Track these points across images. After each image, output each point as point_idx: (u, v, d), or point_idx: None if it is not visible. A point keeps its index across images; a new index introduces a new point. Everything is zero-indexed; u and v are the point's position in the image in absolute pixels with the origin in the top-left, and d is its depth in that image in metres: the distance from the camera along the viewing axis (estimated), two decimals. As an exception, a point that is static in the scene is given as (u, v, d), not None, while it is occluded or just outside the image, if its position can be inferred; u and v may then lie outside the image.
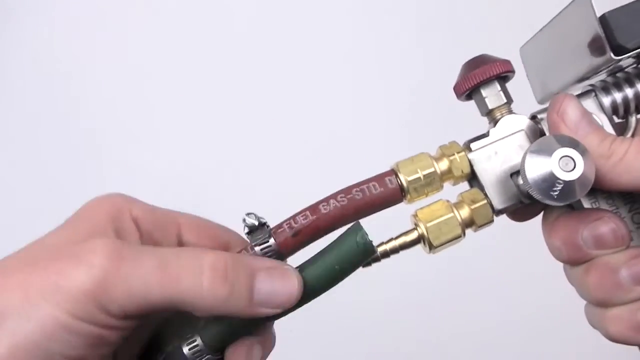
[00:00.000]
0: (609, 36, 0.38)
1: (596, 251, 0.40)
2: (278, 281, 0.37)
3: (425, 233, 0.40)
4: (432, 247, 0.41)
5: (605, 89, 0.42)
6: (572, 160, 0.37)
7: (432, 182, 0.41)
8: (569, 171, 0.37)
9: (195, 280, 0.35)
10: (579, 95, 0.42)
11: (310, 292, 0.38)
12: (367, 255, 0.39)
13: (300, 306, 0.39)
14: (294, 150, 1.01)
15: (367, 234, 0.38)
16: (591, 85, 0.43)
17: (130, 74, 1.06)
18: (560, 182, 0.37)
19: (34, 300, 0.33)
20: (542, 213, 0.44)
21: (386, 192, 0.41)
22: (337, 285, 0.39)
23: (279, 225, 0.40)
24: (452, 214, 0.41)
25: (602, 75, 0.43)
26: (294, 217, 0.41)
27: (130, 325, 0.35)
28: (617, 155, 0.38)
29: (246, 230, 0.40)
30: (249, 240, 0.40)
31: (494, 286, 1.02)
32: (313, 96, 1.04)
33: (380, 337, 1.01)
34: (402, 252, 0.41)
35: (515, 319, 1.01)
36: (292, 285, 0.38)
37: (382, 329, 1.01)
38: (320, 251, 0.39)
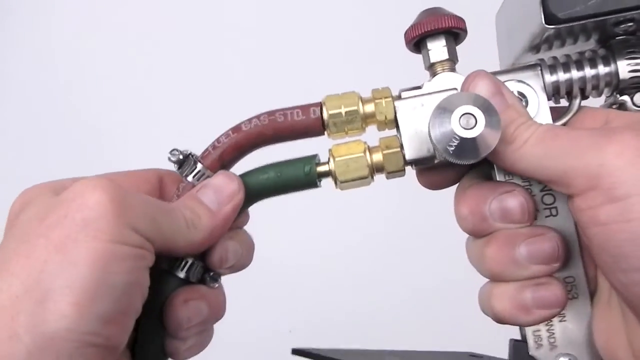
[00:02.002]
0: (544, 3, 0.37)
1: (501, 224, 0.39)
2: (215, 181, 0.41)
3: (333, 167, 0.41)
4: (337, 182, 0.42)
5: (552, 67, 0.41)
6: (473, 119, 0.36)
7: (353, 120, 0.42)
8: (468, 129, 0.36)
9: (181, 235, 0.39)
10: (524, 68, 0.41)
11: (254, 190, 0.42)
12: (308, 184, 0.42)
13: (250, 205, 0.42)
14: (294, 148, 1.01)
15: (315, 168, 0.41)
16: (540, 59, 0.42)
17: (129, 73, 1.09)
18: (457, 137, 0.36)
19: (68, 248, 0.33)
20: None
21: (307, 121, 0.42)
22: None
23: (206, 150, 0.43)
24: (362, 154, 0.41)
25: (559, 51, 0.42)
26: (218, 137, 0.43)
27: (152, 250, 0.37)
28: (517, 142, 0.37)
29: (176, 167, 0.43)
30: (182, 175, 0.43)
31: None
32: (313, 95, 1.04)
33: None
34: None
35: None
36: (227, 176, 0.41)
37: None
38: (275, 162, 0.43)
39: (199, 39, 1.10)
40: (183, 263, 0.41)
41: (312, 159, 0.42)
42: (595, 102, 0.42)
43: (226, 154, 0.42)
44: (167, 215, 0.38)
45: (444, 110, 0.37)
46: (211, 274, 0.42)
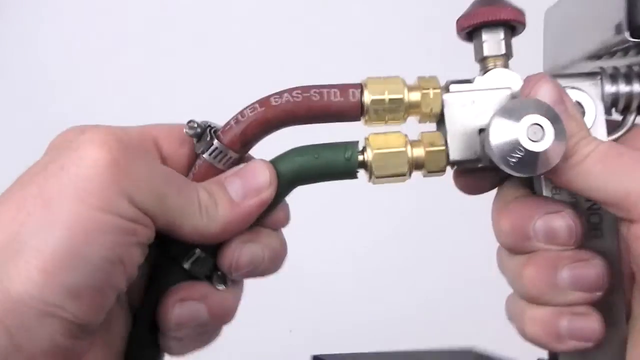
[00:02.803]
0: (631, 14, 0.34)
1: (544, 245, 0.37)
2: (246, 169, 0.36)
3: (370, 159, 0.38)
4: (372, 176, 0.38)
5: (613, 76, 0.38)
6: (541, 131, 0.33)
7: (397, 109, 0.38)
8: (535, 141, 0.33)
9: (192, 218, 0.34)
10: (584, 75, 0.38)
11: (288, 174, 0.37)
12: (347, 172, 0.37)
13: (285, 193, 0.38)
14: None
15: (357, 155, 0.37)
16: (601, 67, 0.39)
17: (129, 72, 1.04)
18: (522, 149, 0.33)
19: (53, 204, 0.30)
20: (495, 191, 0.41)
21: (345, 104, 0.38)
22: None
23: (227, 123, 0.38)
24: (403, 149, 0.38)
25: (618, 62, 0.39)
26: (242, 110, 0.38)
27: (152, 227, 0.33)
28: (576, 157, 0.35)
29: (195, 141, 0.37)
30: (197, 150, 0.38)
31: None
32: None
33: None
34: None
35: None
36: (260, 165, 0.37)
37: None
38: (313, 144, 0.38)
39: (199, 39, 1.06)
40: (190, 253, 0.36)
41: (355, 145, 0.38)
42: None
43: (249, 130, 0.37)
44: (178, 191, 0.34)
45: (509, 116, 0.34)
46: (219, 272, 0.37)
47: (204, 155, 0.37)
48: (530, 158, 0.33)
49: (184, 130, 0.37)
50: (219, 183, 0.36)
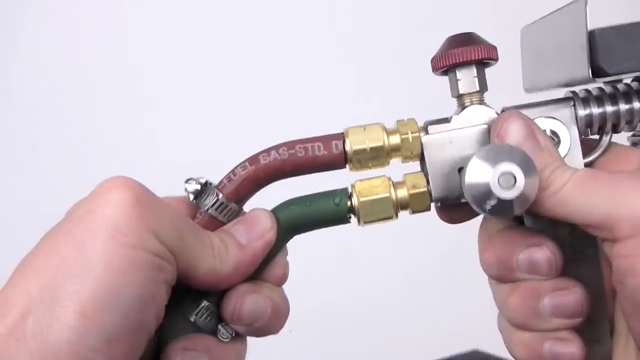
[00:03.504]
0: (593, 54, 0.35)
1: (527, 275, 0.39)
2: (248, 217, 0.39)
3: (357, 205, 0.40)
4: (360, 221, 0.40)
5: (586, 100, 0.39)
6: (513, 178, 0.35)
7: (378, 156, 0.40)
8: (507, 188, 0.35)
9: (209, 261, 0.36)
10: (556, 102, 0.40)
11: (285, 224, 0.40)
12: (339, 217, 0.40)
13: (284, 240, 0.40)
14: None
15: (346, 200, 0.40)
16: (573, 92, 0.40)
17: (129, 73, 1.04)
18: (495, 197, 0.35)
19: (85, 246, 0.31)
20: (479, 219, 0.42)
21: (329, 156, 0.40)
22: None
23: (220, 182, 0.40)
24: (388, 194, 0.40)
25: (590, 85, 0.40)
26: (233, 169, 0.40)
27: (174, 265, 0.34)
28: (554, 187, 0.36)
29: (192, 197, 0.39)
30: (199, 206, 0.39)
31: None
32: (313, 96, 1.03)
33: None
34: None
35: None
36: (259, 213, 0.39)
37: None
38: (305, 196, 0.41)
39: (199, 42, 1.07)
40: (197, 304, 0.38)
41: (343, 191, 0.40)
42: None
43: (243, 187, 0.40)
44: (195, 235, 0.36)
45: (480, 166, 0.35)
46: (224, 324, 0.38)
47: (210, 210, 0.39)
48: (504, 205, 0.35)
49: (185, 187, 0.39)
50: (225, 231, 0.39)
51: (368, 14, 1.06)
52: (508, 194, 0.35)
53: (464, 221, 0.43)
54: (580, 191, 0.36)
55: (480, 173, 0.35)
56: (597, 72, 0.35)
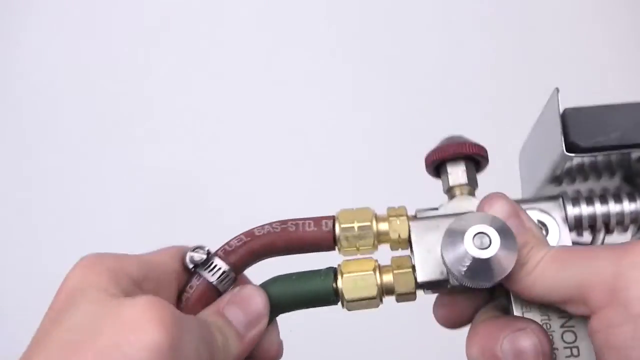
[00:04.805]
0: (566, 132, 0.37)
1: None
2: (242, 297, 0.39)
3: (341, 285, 0.40)
4: (343, 301, 0.40)
5: (575, 199, 0.40)
6: (487, 238, 0.35)
7: (365, 236, 0.41)
8: (482, 249, 0.35)
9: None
10: (545, 198, 0.40)
11: (278, 304, 0.40)
12: (325, 294, 0.40)
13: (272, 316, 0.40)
14: (295, 154, 0.96)
15: (332, 276, 0.40)
16: (562, 192, 0.41)
17: (130, 74, 1.07)
18: (470, 258, 0.35)
19: None
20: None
21: (319, 234, 0.41)
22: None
23: (215, 253, 0.41)
24: (371, 272, 0.40)
25: (580, 186, 0.41)
26: (229, 241, 0.41)
27: None
28: (530, 263, 0.36)
29: (191, 265, 0.40)
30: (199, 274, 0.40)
31: None
32: (313, 99, 1.03)
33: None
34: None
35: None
36: (254, 293, 0.39)
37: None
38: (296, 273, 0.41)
39: (200, 45, 1.09)
40: None
41: (330, 270, 0.41)
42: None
43: (238, 260, 0.41)
44: (211, 350, 0.36)
45: (457, 229, 0.36)
46: None
47: (212, 280, 0.40)
48: (481, 265, 0.35)
49: (191, 256, 0.39)
50: (221, 315, 0.38)
51: (368, 16, 1.07)
52: (483, 254, 0.35)
53: (461, 325, 0.41)
54: (555, 266, 0.35)
55: (455, 235, 0.36)
56: (571, 147, 0.36)
